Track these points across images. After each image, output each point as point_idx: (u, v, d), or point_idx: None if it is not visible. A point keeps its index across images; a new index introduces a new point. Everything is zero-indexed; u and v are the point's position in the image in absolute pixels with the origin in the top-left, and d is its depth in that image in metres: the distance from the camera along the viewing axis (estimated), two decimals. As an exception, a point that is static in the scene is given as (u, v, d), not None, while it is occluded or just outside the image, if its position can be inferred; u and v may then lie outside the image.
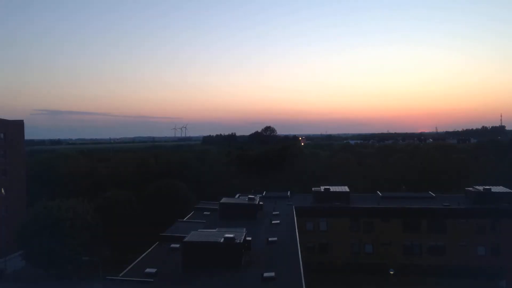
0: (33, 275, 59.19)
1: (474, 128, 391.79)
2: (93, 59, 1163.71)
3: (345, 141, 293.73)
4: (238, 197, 64.01)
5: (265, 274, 29.37)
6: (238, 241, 32.19)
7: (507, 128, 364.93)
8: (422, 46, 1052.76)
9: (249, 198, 56.08)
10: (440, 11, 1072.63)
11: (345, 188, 68.76)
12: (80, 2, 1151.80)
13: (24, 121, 78.01)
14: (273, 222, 49.14)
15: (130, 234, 65.90)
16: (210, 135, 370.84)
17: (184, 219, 52.46)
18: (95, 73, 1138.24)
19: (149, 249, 38.50)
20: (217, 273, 30.09)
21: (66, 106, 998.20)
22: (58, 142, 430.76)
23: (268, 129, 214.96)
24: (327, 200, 66.45)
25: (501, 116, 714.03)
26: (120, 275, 30.72)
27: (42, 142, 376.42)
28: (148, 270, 30.86)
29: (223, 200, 55.16)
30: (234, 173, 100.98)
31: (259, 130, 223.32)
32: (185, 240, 32.75)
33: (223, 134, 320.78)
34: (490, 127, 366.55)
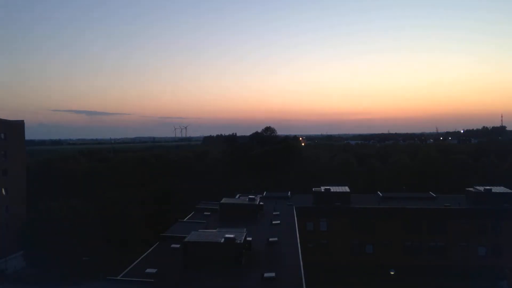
0: (33, 275, 59.20)
1: (475, 128, 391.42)
2: (114, 63, 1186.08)
3: (345, 142, 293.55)
4: (239, 197, 63.90)
5: (266, 275, 29.30)
6: (238, 242, 32.12)
7: (507, 129, 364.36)
8: (423, 48, 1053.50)
9: (250, 199, 55.98)
10: (440, 13, 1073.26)
11: (346, 189, 68.64)
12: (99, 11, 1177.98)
13: (25, 121, 78.07)
14: (273, 222, 49.04)
15: (130, 234, 65.89)
16: (210, 135, 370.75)
17: (185, 219, 52.37)
18: (119, 76, 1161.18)
19: (150, 249, 38.44)
20: (218, 273, 30.04)
21: (89, 107, 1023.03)
22: (58, 142, 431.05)
23: (269, 129, 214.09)
24: (328, 201, 66.34)
25: (501, 116, 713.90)
26: (121, 275, 30.65)
27: (42, 142, 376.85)
28: (148, 270, 30.80)
29: (224, 200, 55.08)
30: (235, 173, 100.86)
31: (259, 131, 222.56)
32: (185, 240, 32.70)
33: (223, 134, 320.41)
34: (491, 127, 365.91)
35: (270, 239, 39.72)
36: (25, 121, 76.78)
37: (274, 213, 54.79)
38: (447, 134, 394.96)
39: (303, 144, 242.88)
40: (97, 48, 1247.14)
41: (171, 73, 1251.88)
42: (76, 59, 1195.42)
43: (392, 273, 59.76)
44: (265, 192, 73.30)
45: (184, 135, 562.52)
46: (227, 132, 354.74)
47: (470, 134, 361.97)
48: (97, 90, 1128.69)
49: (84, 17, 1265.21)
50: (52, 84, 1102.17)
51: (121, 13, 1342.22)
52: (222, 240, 32.06)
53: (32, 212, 58.41)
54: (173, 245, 37.60)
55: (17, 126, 75.77)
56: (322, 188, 68.65)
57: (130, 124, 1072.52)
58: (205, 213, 56.68)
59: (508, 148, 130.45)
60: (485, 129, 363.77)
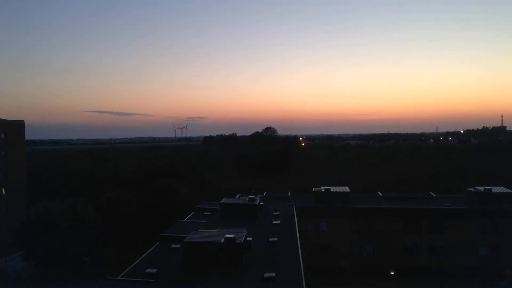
0: (33, 275, 59.14)
1: (475, 128, 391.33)
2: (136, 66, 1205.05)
3: (345, 142, 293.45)
4: (239, 197, 63.90)
5: (266, 275, 29.29)
6: (238, 242, 32.09)
7: (507, 129, 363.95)
8: (423, 48, 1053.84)
9: (250, 199, 55.95)
10: (440, 14, 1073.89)
11: (346, 189, 68.57)
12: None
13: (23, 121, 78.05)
14: (273, 222, 49.04)
15: (130, 234, 65.84)
16: (211, 135, 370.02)
17: (185, 219, 52.36)
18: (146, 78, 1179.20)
19: (150, 249, 38.42)
20: (218, 273, 30.03)
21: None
22: (58, 142, 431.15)
23: (269, 129, 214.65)
24: (328, 201, 66.30)
25: (501, 116, 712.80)
26: (121, 275, 30.62)
27: (42, 142, 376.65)
28: (148, 270, 30.79)
29: (224, 200, 55.05)
30: (235, 173, 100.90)
31: (260, 131, 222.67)
32: (185, 240, 32.67)
33: (224, 135, 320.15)
34: (491, 127, 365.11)
35: (270, 239, 39.72)
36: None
37: (274, 213, 54.78)
38: (447, 134, 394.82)
39: (303, 144, 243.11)
40: (117, 51, 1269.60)
41: (185, 74, 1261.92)
42: (95, 62, 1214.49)
43: (392, 273, 59.80)
44: (265, 192, 73.28)
45: (184, 135, 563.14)
46: (227, 132, 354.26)
47: (470, 134, 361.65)
48: (123, 92, 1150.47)
49: (101, 22, 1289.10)
50: (80, 86, 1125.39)
51: (123, 17, 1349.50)
52: (222, 240, 32.03)
53: (32, 212, 58.26)
54: (173, 245, 37.58)
55: (17, 126, 75.75)
56: (322, 188, 68.62)
57: (154, 124, 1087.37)
58: (205, 213, 56.69)
59: (508, 148, 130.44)
60: (485, 129, 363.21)
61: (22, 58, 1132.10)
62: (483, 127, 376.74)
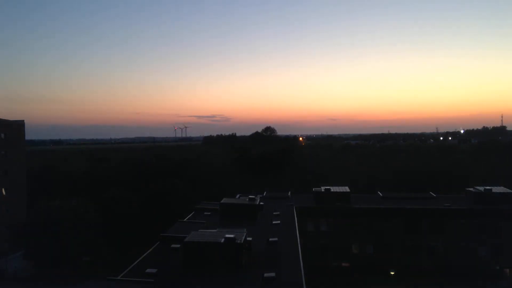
0: (34, 275, 59.19)
1: (475, 128, 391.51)
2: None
3: (345, 141, 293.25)
4: (239, 197, 63.89)
5: (266, 275, 29.29)
6: (238, 242, 32.08)
7: (507, 129, 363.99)
8: (423, 48, 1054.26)
9: (250, 199, 55.96)
10: (440, 14, 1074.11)
11: (346, 189, 68.54)
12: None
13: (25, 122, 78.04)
14: (273, 222, 49.03)
15: (130, 234, 65.85)
16: (210, 135, 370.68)
17: (185, 220, 52.34)
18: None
19: (150, 249, 38.42)
20: (218, 273, 30.04)
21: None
22: (58, 142, 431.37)
23: (269, 129, 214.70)
24: (328, 201, 66.28)
25: (501, 116, 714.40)
26: (121, 275, 30.62)
27: (42, 142, 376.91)
28: (148, 270, 30.80)
29: (224, 200, 55.04)
30: (235, 174, 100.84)
31: (260, 131, 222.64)
32: (185, 240, 32.67)
33: (223, 135, 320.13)
34: (491, 127, 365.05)
35: (270, 239, 39.71)
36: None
37: (274, 213, 54.75)
38: (447, 134, 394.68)
39: (303, 144, 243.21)
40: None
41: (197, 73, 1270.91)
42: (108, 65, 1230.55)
43: (392, 273, 59.85)
44: (265, 192, 73.27)
45: (184, 135, 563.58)
46: (227, 132, 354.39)
47: (470, 134, 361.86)
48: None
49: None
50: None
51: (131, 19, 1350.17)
52: (222, 240, 32.03)
53: (32, 212, 58.37)
54: (173, 245, 37.58)
55: (17, 126, 75.79)
56: (322, 188, 68.58)
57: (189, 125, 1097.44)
58: (205, 213, 56.68)
59: (508, 148, 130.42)
60: (485, 129, 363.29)
61: (23, 60, 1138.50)
62: (483, 127, 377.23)
